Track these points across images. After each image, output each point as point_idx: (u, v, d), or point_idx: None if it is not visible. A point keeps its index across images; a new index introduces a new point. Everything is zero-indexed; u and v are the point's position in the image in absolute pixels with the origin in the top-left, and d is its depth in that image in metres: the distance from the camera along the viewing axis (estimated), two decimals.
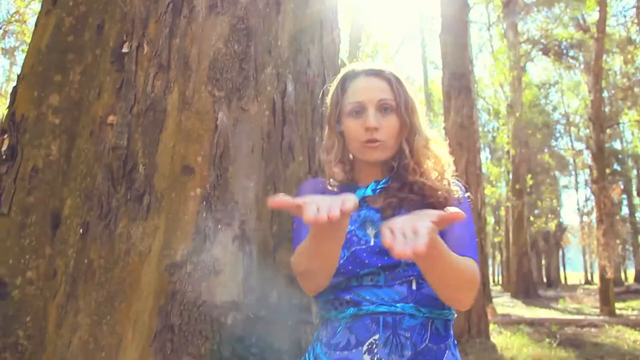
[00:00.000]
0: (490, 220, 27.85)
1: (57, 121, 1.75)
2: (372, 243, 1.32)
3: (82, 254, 1.58)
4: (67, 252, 1.63)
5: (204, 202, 1.59)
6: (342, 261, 1.30)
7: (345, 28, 16.80)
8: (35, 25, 1.96)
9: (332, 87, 1.54)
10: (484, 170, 19.48)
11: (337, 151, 1.50)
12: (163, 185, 1.59)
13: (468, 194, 1.47)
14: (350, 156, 1.51)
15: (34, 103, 1.78)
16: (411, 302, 1.27)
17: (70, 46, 1.79)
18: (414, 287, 1.29)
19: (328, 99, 1.56)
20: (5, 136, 1.81)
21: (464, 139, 9.15)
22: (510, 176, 20.13)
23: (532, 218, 22.84)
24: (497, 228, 28.88)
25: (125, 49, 1.70)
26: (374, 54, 20.30)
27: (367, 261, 1.29)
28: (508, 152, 19.54)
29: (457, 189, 1.43)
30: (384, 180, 1.45)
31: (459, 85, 9.38)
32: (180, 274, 1.51)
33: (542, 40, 19.41)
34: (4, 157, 1.78)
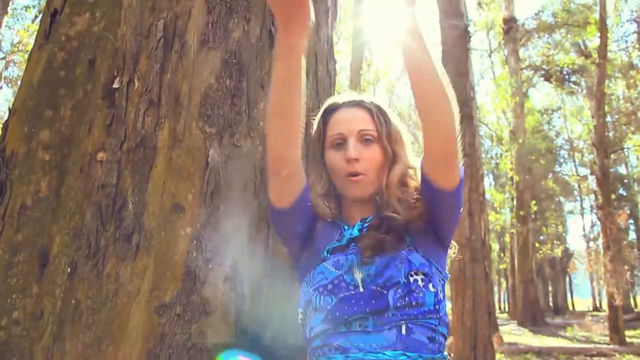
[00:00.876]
0: (495, 247, 27.62)
1: (47, 157, 1.72)
2: (361, 289, 1.27)
3: (70, 294, 1.54)
4: (54, 291, 1.58)
5: (195, 242, 1.54)
6: (329, 307, 1.26)
7: (346, 56, 16.95)
8: (28, 60, 1.94)
9: (315, 120, 1.52)
10: (487, 196, 19.38)
11: (323, 185, 1.47)
12: (153, 224, 1.55)
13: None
14: (332, 195, 1.47)
15: (24, 139, 1.75)
16: (400, 348, 1.22)
17: (62, 81, 1.77)
18: (403, 332, 1.23)
19: (312, 133, 1.53)
20: None
21: (467, 167, 9.10)
22: (515, 202, 20.03)
23: (537, 244, 22.63)
24: (502, 255, 28.62)
25: (116, 85, 1.68)
26: (375, 82, 20.40)
27: (355, 307, 1.25)
28: (512, 178, 19.48)
29: None
30: (369, 218, 1.41)
31: (462, 112, 9.35)
32: (170, 315, 1.46)
33: (544, 66, 19.51)
34: None
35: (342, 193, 1.46)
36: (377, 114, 1.46)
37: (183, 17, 1.73)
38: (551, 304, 32.33)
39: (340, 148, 1.43)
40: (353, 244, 1.36)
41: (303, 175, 1.37)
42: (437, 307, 1.29)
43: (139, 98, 1.66)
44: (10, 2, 11.85)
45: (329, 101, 1.54)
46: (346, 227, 1.42)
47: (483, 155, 21.54)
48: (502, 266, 28.69)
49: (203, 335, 1.47)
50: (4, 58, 14.44)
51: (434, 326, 1.27)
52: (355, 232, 1.38)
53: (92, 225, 1.56)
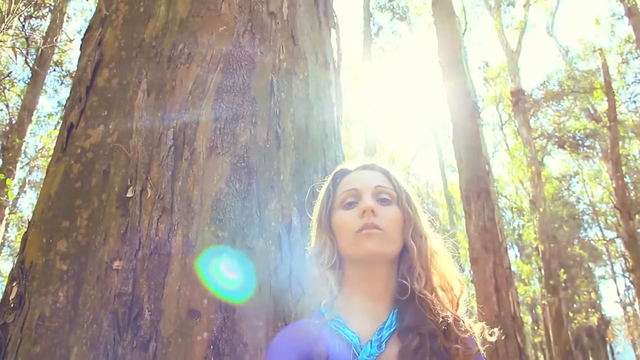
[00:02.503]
0: (528, 320, 26.73)
1: (64, 267, 1.75)
2: None
3: None
4: None
5: (212, 347, 1.54)
6: None
7: (360, 142, 17.26)
8: (47, 173, 2.03)
9: (324, 186, 1.38)
10: (514, 269, 18.99)
11: (329, 254, 1.28)
12: (169, 330, 1.55)
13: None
14: (337, 266, 1.27)
15: (42, 250, 1.80)
16: None
17: (78, 192, 1.83)
18: None
19: (317, 200, 1.38)
20: (14, 284, 1.81)
21: (489, 242, 9.01)
22: (543, 272, 19.57)
23: (571, 314, 21.88)
24: (535, 328, 27.62)
25: (129, 194, 1.74)
26: (391, 163, 20.65)
27: None
28: (537, 248, 19.14)
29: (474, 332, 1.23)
30: (387, 323, 1.22)
31: (478, 189, 9.39)
32: None
33: (556, 134, 19.62)
34: (12, 305, 1.78)
35: (353, 255, 1.25)
36: (394, 176, 1.33)
37: (192, 126, 1.81)
38: None
39: (353, 206, 1.26)
40: None
41: None
42: None
43: (152, 206, 1.70)
44: (35, 111, 12.41)
45: (339, 167, 1.41)
46: (356, 340, 1.20)
47: (505, 227, 21.29)
48: (536, 339, 27.61)
49: None
50: (28, 163, 14.93)
51: None
52: (375, 351, 1.18)
53: (109, 334, 1.57)
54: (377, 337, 1.20)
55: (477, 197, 9.18)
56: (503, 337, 8.12)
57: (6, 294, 1.87)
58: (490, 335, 1.25)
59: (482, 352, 1.24)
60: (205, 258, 1.59)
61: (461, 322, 1.23)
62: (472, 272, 9.39)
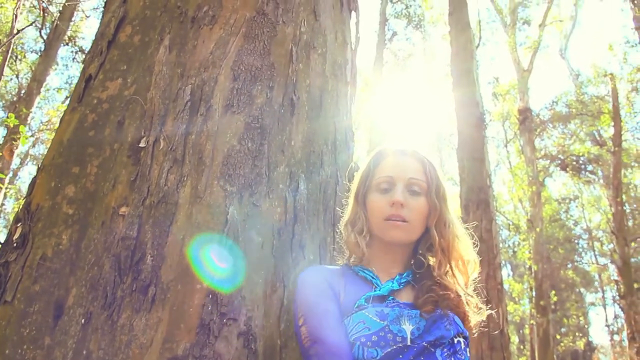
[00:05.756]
0: (515, 339, 26.71)
1: (70, 211, 1.77)
2: (409, 342, 1.23)
3: (82, 345, 1.54)
4: (67, 342, 1.58)
5: (210, 296, 1.55)
6: None
7: (363, 147, 17.29)
8: (60, 121, 2.04)
9: (365, 162, 1.53)
10: (506, 286, 18.99)
11: (360, 225, 1.45)
12: (170, 277, 1.57)
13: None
14: (367, 237, 1.44)
15: (50, 193, 1.82)
16: None
17: (91, 140, 1.85)
18: None
19: (358, 173, 1.53)
20: (19, 225, 1.83)
21: (484, 253, 9.01)
22: (534, 293, 19.57)
23: (558, 336, 21.87)
24: (521, 347, 27.60)
25: (142, 144, 1.76)
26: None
27: None
28: (530, 267, 19.14)
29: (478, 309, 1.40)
30: (406, 273, 1.40)
31: (477, 199, 9.40)
32: None
33: (560, 156, 19.66)
34: (15, 244, 1.79)
35: (377, 235, 1.43)
36: (429, 167, 1.47)
37: (210, 83, 1.83)
38: None
39: (386, 192, 1.41)
40: (392, 297, 1.34)
41: None
42: None
43: (164, 157, 1.72)
44: (44, 83, 12.44)
45: (383, 145, 1.55)
46: (377, 280, 1.39)
47: (501, 244, 21.30)
48: (521, 359, 27.61)
49: None
50: (32, 136, 14.95)
51: None
52: (396, 285, 1.36)
53: (109, 276, 1.59)
54: (398, 277, 1.39)
55: (476, 207, 9.19)
56: (490, 349, 8.06)
57: (10, 233, 1.88)
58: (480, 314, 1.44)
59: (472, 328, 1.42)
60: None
61: (469, 301, 1.41)
62: None
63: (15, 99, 12.64)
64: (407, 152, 1.50)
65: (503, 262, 24.03)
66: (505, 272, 27.10)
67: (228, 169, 1.71)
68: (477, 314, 1.40)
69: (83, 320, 1.59)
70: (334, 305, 1.33)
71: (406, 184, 1.41)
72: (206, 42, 1.92)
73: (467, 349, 1.31)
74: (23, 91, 12.06)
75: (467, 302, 1.37)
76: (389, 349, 1.22)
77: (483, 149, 9.80)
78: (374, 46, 17.73)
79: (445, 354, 1.24)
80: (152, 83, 1.86)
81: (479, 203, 9.39)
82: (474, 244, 1.50)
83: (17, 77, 13.38)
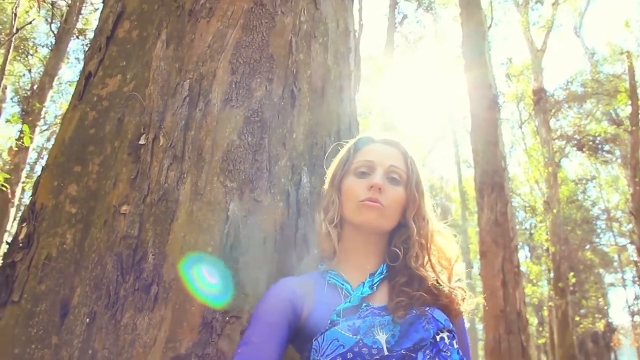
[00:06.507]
0: (533, 321, 26.61)
1: (73, 210, 1.77)
2: (385, 352, 1.17)
3: (87, 344, 1.54)
4: (72, 342, 1.59)
5: None
6: None
7: (376, 128, 17.20)
8: (63, 120, 2.04)
9: (344, 148, 1.49)
10: (523, 268, 18.90)
11: (334, 213, 1.41)
12: (172, 275, 1.56)
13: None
14: (339, 227, 1.40)
15: (53, 192, 1.82)
16: None
17: (92, 138, 1.85)
18: None
19: (336, 159, 1.50)
20: (24, 224, 1.83)
21: (499, 236, 8.96)
22: (552, 274, 19.45)
23: (577, 318, 21.74)
24: (540, 329, 27.51)
25: (142, 141, 1.75)
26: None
27: None
28: (547, 249, 19.01)
29: (462, 295, 1.34)
30: (379, 271, 1.34)
31: (492, 182, 9.33)
32: None
33: (576, 136, 19.42)
34: (21, 244, 1.80)
35: (352, 221, 1.38)
36: (410, 160, 1.43)
37: (208, 78, 1.81)
38: None
39: (364, 176, 1.38)
40: (365, 303, 1.28)
41: None
42: None
43: (164, 154, 1.71)
44: (56, 77, 12.51)
45: (364, 133, 1.51)
46: (348, 286, 1.32)
47: (517, 226, 21.16)
48: (540, 341, 27.52)
49: None
50: (47, 129, 15.08)
51: None
52: (367, 290, 1.30)
53: (112, 276, 1.59)
54: (370, 280, 1.33)
55: (490, 190, 9.12)
56: (507, 333, 8.05)
57: (16, 234, 1.89)
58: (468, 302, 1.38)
59: (463, 317, 1.38)
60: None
61: (452, 293, 1.35)
62: (480, 266, 9.36)
63: (28, 93, 12.71)
64: (390, 142, 1.47)
65: (520, 244, 23.88)
66: (523, 254, 26.95)
67: (228, 165, 1.69)
68: (463, 304, 1.35)
69: (88, 320, 1.59)
70: (283, 322, 1.28)
71: (386, 170, 1.38)
72: (204, 35, 1.90)
73: (454, 341, 1.24)
74: (36, 86, 12.14)
75: (449, 294, 1.32)
76: None
77: (497, 132, 9.70)
78: (384, 30, 17.57)
79: (428, 356, 1.18)
80: (150, 78, 1.85)
81: (494, 186, 9.31)
82: (456, 237, 1.46)
83: (29, 72, 13.46)
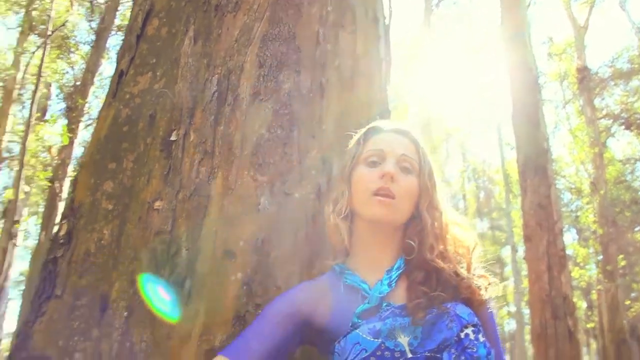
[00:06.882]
0: (582, 305, 26.03)
1: (110, 207, 1.81)
2: (409, 354, 1.14)
3: (126, 337, 1.59)
4: (112, 334, 1.63)
5: (245, 287, 1.56)
6: None
7: (414, 116, 17.02)
8: (98, 118, 2.09)
9: (353, 138, 1.45)
10: (570, 251, 18.49)
11: (341, 206, 1.37)
12: (205, 269, 1.59)
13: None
14: (348, 219, 1.36)
15: (90, 190, 1.86)
16: None
17: (125, 135, 1.88)
18: None
19: (347, 151, 1.46)
20: (64, 221, 1.89)
21: (543, 220, 8.77)
22: (600, 257, 18.96)
23: (628, 302, 21.15)
24: (589, 313, 26.89)
25: (173, 137, 1.77)
26: (447, 138, 20.23)
27: None
28: (595, 231, 18.53)
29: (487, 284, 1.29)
30: (396, 266, 1.29)
31: (535, 165, 9.12)
32: None
33: (623, 115, 18.77)
34: (62, 241, 1.86)
35: (362, 214, 1.33)
36: (422, 150, 1.38)
37: (236, 72, 1.82)
38: None
39: (375, 166, 1.33)
40: (385, 302, 1.24)
41: None
42: (488, 357, 1.20)
43: (194, 149, 1.73)
44: (97, 73, 12.80)
45: (373, 123, 1.46)
46: (365, 286, 1.28)
47: (563, 208, 20.67)
48: (589, 325, 26.92)
49: None
50: (91, 124, 15.46)
51: None
52: (386, 288, 1.26)
53: (147, 271, 1.62)
54: (387, 277, 1.28)
55: (533, 173, 8.92)
56: (553, 318, 7.89)
57: (57, 230, 1.95)
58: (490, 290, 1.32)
59: (490, 305, 1.31)
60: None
61: (472, 284, 1.29)
62: (525, 250, 9.20)
63: (72, 90, 13.06)
64: (401, 131, 1.41)
65: (566, 226, 23.32)
66: (570, 237, 26.32)
67: (258, 159, 1.70)
68: (486, 293, 1.29)
69: (126, 313, 1.64)
70: (283, 323, 1.28)
71: (398, 159, 1.32)
72: (230, 30, 1.90)
73: (480, 335, 1.19)
74: (78, 82, 12.47)
75: (470, 285, 1.27)
76: None
77: (538, 113, 9.46)
78: (421, 11, 17.32)
79: (453, 355, 1.14)
80: (179, 75, 1.87)
81: (537, 169, 9.10)
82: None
83: (72, 69, 13.82)
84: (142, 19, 2.10)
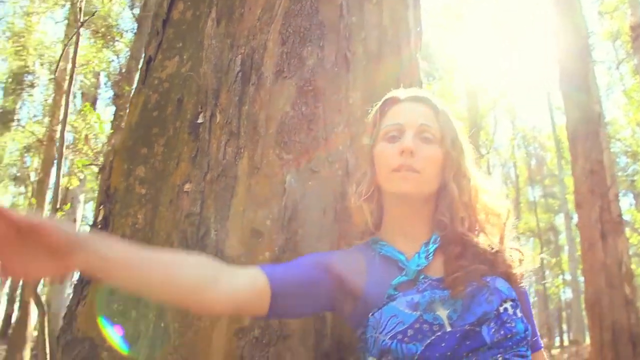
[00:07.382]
0: None
1: (143, 191, 1.84)
2: (448, 328, 1.12)
3: (160, 318, 1.63)
4: (148, 315, 1.68)
5: None
6: (417, 356, 1.10)
7: (461, 84, 16.63)
8: (129, 105, 2.12)
9: (371, 113, 1.41)
10: (628, 217, 17.86)
11: (367, 185, 1.33)
12: (233, 249, 1.60)
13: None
14: (374, 199, 1.33)
15: (123, 175, 1.90)
16: None
17: (155, 121, 1.91)
18: None
19: (366, 127, 1.41)
20: (101, 207, 1.94)
21: (595, 186, 8.48)
22: None
23: None
24: None
25: (200, 120, 1.78)
26: (494, 106, 19.70)
27: (447, 350, 1.10)
28: None
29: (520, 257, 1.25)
30: (432, 239, 1.26)
31: (586, 130, 8.80)
32: (248, 338, 1.49)
33: None
34: (100, 226, 1.91)
35: (389, 191, 1.29)
36: (443, 115, 1.32)
37: (259, 51, 1.81)
38: None
39: (395, 141, 1.28)
40: (422, 275, 1.21)
41: (249, 282, 1.22)
42: (526, 332, 1.17)
43: (221, 130, 1.74)
44: (141, 60, 12.97)
45: (389, 94, 1.41)
46: (402, 257, 1.25)
47: (619, 173, 19.92)
48: None
49: (282, 358, 1.48)
50: None
51: (524, 353, 1.16)
52: (423, 261, 1.22)
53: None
54: (424, 249, 1.24)
55: (585, 138, 8.61)
56: (608, 287, 7.63)
57: (95, 216, 2.01)
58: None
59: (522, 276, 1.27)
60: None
61: (508, 258, 1.26)
62: (577, 217, 8.94)
63: (118, 77, 13.34)
64: (418, 98, 1.35)
65: (623, 191, 22.49)
66: (627, 202, 25.39)
67: (283, 137, 1.69)
68: (523, 264, 1.25)
69: None
70: (320, 267, 1.26)
71: (417, 130, 1.26)
72: (252, 9, 1.89)
73: (518, 310, 1.17)
74: (124, 69, 12.72)
75: (506, 259, 1.23)
76: (428, 341, 1.10)
77: (588, 77, 9.09)
78: None
79: (493, 329, 1.12)
80: (203, 58, 1.87)
81: (588, 134, 8.78)
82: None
83: (117, 57, 14.12)
84: (167, 4, 2.11)
